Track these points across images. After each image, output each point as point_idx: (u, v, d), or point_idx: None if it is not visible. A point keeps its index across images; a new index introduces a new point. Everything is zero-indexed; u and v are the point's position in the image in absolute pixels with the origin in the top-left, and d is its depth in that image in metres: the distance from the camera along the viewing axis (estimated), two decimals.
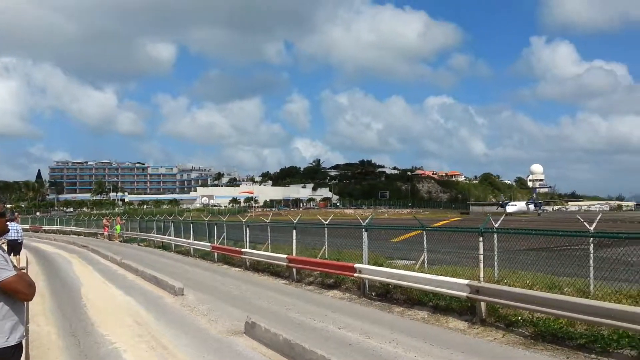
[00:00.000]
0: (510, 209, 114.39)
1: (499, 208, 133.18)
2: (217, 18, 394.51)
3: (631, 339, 9.08)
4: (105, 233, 52.78)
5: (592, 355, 9.29)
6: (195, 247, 31.87)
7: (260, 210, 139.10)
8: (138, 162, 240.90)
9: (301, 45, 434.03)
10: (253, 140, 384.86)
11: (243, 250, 24.90)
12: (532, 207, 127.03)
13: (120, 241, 48.81)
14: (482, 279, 12.67)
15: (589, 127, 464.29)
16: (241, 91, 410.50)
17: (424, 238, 16.81)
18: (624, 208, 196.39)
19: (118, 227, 51.41)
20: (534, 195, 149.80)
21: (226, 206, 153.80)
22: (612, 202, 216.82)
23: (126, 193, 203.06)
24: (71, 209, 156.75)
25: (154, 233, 43.35)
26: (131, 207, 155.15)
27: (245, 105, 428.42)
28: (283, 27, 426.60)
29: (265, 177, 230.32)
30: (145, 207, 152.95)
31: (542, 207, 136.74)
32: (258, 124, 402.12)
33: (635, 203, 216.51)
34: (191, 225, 36.10)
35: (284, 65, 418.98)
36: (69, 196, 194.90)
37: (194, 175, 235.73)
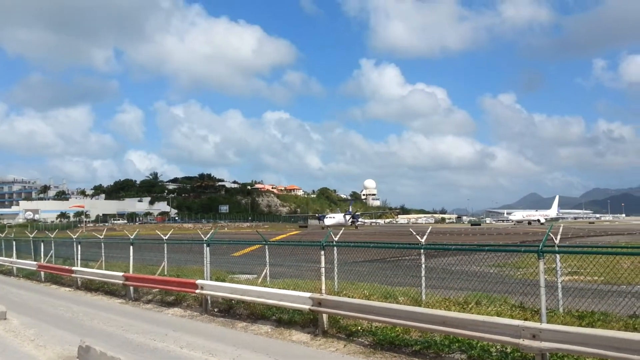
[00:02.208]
0: (328, 221, 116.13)
1: (319, 221, 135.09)
2: (36, 18, 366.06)
3: (461, 344, 9.77)
4: None
5: None
6: (18, 266, 29.26)
7: (92, 225, 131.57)
8: None
9: (132, 53, 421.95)
10: (82, 150, 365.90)
11: (74, 268, 23.30)
12: (349, 219, 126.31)
13: None
14: (324, 291, 12.97)
15: (413, 145, 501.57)
16: (66, 98, 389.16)
17: (266, 252, 16.95)
18: (447, 220, 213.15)
19: None
20: (350, 207, 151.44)
21: (53, 221, 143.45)
22: (436, 215, 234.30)
23: None
24: None
25: None
26: None
27: (72, 114, 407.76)
28: (111, 32, 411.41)
29: (98, 190, 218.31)
30: None
31: (358, 220, 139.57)
32: (87, 134, 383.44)
33: (456, 216, 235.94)
34: (14, 242, 33.23)
35: (114, 73, 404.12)
36: None
37: (16, 187, 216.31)
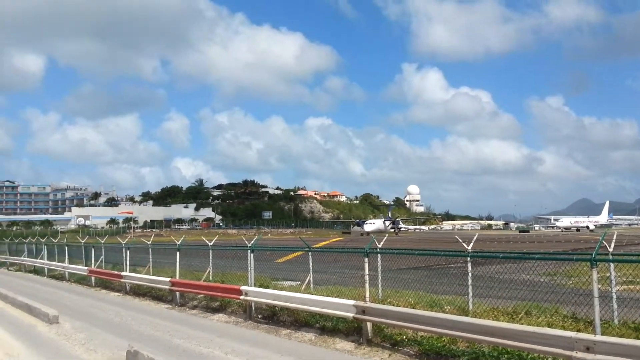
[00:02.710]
0: (367, 227, 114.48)
1: (356, 227, 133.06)
2: (86, 30, 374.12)
3: (510, 355, 9.43)
4: None
5: None
6: (70, 271, 30.02)
7: (140, 231, 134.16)
8: (7, 181, 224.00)
9: (178, 62, 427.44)
10: (130, 158, 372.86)
11: (123, 273, 23.73)
12: (389, 225, 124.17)
13: None
14: (367, 299, 12.79)
15: (457, 150, 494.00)
16: (116, 107, 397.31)
17: (310, 259, 16.85)
18: (494, 227, 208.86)
19: None
20: (389, 213, 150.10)
21: (103, 227, 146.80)
22: (482, 222, 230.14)
23: None
24: None
25: (24, 256, 40.66)
26: None
27: (121, 122, 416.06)
28: (158, 42, 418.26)
29: (146, 196, 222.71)
30: (15, 228, 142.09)
31: (399, 226, 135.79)
32: (135, 142, 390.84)
33: (503, 222, 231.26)
34: (66, 247, 34.09)
35: (161, 82, 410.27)
36: None
37: (68, 194, 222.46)
